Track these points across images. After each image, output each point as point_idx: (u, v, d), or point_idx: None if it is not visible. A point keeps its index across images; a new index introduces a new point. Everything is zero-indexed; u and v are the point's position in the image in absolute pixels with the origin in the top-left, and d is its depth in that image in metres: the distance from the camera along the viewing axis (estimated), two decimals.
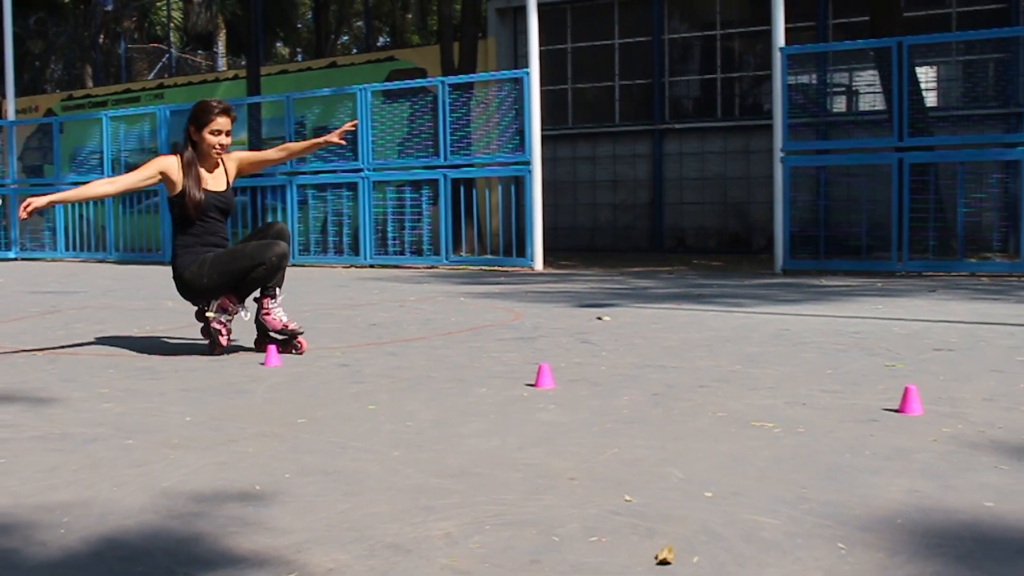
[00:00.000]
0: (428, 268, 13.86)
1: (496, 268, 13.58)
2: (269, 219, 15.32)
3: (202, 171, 5.32)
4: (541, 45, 13.77)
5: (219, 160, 5.41)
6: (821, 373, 4.46)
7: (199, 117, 5.25)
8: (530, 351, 5.31)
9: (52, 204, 5.24)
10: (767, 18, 12.08)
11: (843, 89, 18.00)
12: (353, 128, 5.91)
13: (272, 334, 5.27)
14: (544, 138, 13.96)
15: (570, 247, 18.88)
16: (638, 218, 19.13)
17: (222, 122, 5.26)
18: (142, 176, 5.25)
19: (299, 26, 37.01)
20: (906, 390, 3.61)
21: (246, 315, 5.38)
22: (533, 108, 13.19)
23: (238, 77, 23.00)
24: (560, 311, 7.33)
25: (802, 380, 4.29)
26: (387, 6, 34.93)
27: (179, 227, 5.30)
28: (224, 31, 32.81)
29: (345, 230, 14.90)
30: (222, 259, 5.20)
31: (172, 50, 29.91)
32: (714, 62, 18.87)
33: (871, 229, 12.28)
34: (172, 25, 30.80)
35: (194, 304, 5.42)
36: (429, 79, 16.65)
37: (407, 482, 2.75)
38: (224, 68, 30.29)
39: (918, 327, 6.17)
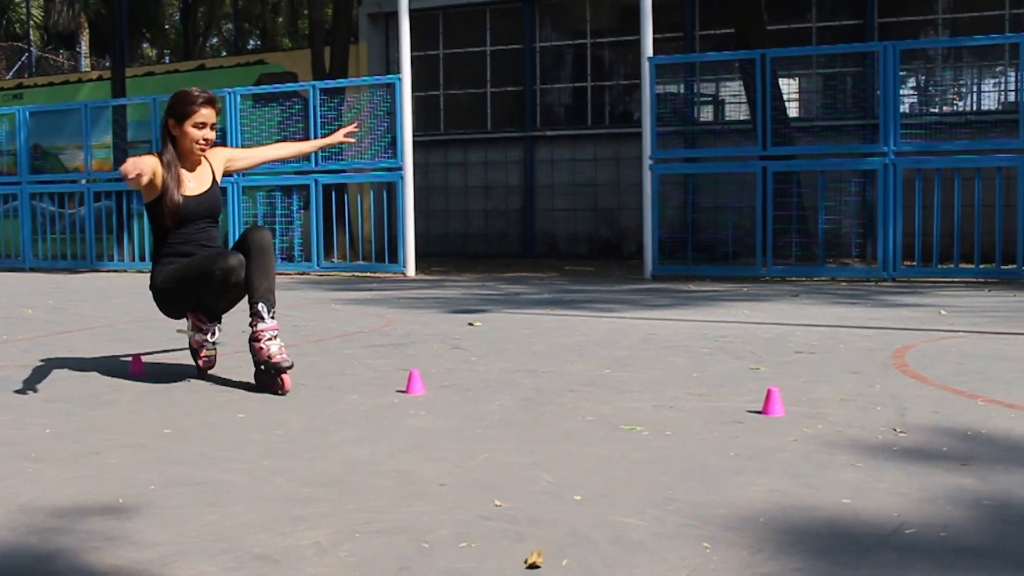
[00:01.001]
0: (299, 275, 13.70)
1: (368, 274, 13.50)
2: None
3: (183, 171, 4.56)
4: (413, 51, 13.75)
5: (202, 157, 4.65)
6: (688, 376, 4.55)
7: (179, 109, 4.51)
8: (401, 357, 5.29)
9: None
10: (636, 28, 12.29)
11: (710, 99, 18.44)
12: (357, 129, 5.42)
13: (255, 364, 4.38)
14: (416, 144, 13.93)
15: (442, 253, 18.89)
16: (510, 224, 19.25)
17: (206, 114, 4.52)
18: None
19: (166, 27, 36.20)
20: (769, 392, 3.71)
21: (213, 337, 4.58)
22: (405, 114, 13.15)
23: (102, 78, 22.38)
24: (432, 317, 7.33)
25: (670, 383, 4.37)
26: (257, 9, 34.45)
27: (158, 235, 4.60)
28: (87, 30, 31.88)
29: None
30: (177, 270, 4.48)
31: (32, 49, 28.92)
32: (585, 70, 19.11)
33: (737, 235, 12.60)
34: (32, 23, 29.79)
35: (172, 319, 4.83)
36: (300, 83, 16.47)
37: (276, 491, 2.72)
38: (88, 69, 29.39)
39: (781, 330, 6.35)
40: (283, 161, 5.20)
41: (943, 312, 7.51)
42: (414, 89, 13.20)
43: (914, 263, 11.41)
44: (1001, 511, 2.49)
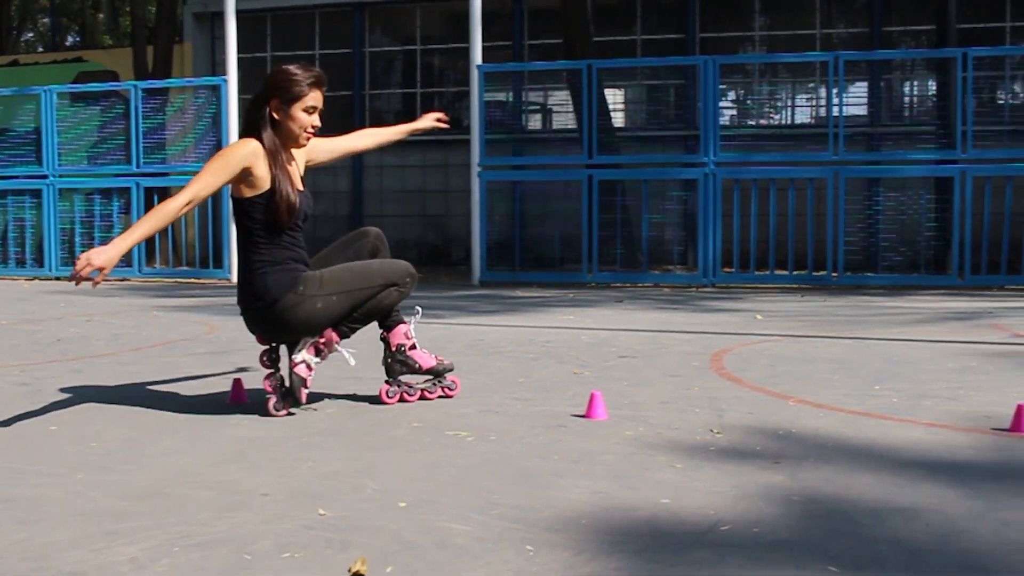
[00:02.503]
0: (119, 280, 13.24)
1: (192, 280, 13.16)
2: None
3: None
4: (240, 52, 13.47)
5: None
6: (513, 381, 4.60)
7: (286, 89, 3.81)
8: (225, 365, 5.18)
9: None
10: (467, 36, 12.36)
11: (538, 107, 18.69)
12: (447, 120, 4.71)
13: (408, 377, 4.06)
14: None
15: None
16: (338, 230, 19.01)
17: (317, 96, 3.87)
18: (217, 181, 3.73)
19: None
20: (592, 396, 3.79)
21: (352, 358, 4.00)
22: (230, 117, 12.88)
23: None
24: None
25: (495, 388, 4.41)
26: (76, 4, 33.16)
27: (255, 238, 3.84)
28: None
29: (28, 240, 14.01)
30: (343, 279, 3.85)
31: None
32: (415, 77, 19.11)
33: (563, 242, 12.81)
34: None
35: (275, 341, 4.00)
36: (121, 83, 15.93)
37: (91, 506, 2.62)
38: None
39: (605, 335, 6.48)
40: (366, 151, 4.37)
41: (759, 317, 7.81)
42: (240, 91, 12.93)
43: (732, 269, 11.83)
44: (809, 506, 2.61)
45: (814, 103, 17.69)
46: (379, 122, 19.20)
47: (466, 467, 3.01)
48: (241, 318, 4.01)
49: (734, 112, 17.79)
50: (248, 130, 3.86)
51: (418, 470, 2.98)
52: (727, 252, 11.97)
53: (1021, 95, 16.51)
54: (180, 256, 14.38)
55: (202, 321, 7.45)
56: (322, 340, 3.89)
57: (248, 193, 3.80)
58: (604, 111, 13.39)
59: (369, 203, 18.85)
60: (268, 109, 3.83)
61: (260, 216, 3.81)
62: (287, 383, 3.86)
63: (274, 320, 3.85)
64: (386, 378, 4.09)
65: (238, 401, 4.09)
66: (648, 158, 13.61)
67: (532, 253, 13.22)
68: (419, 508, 2.58)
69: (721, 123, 12.13)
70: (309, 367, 3.87)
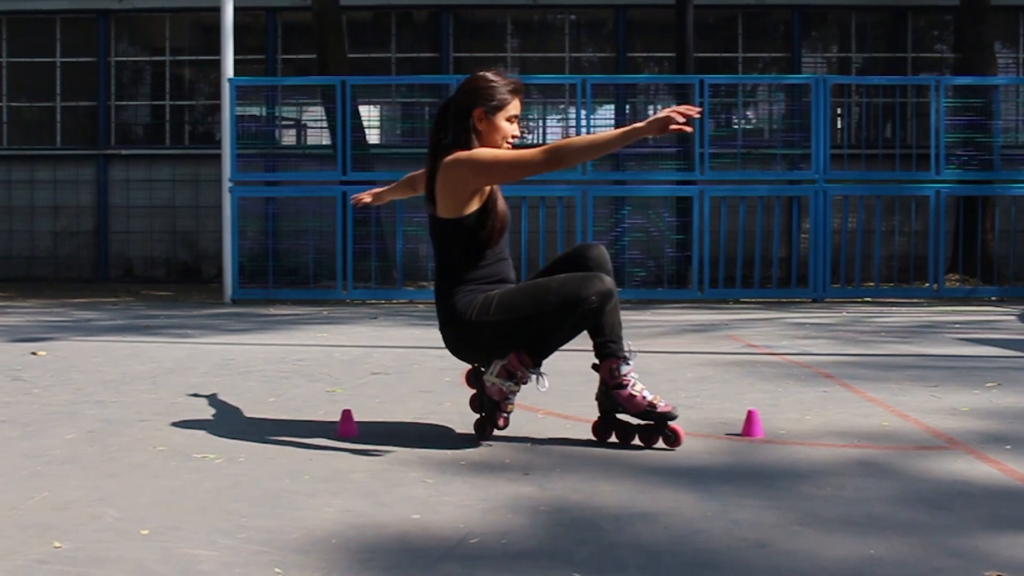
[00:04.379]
0: None
1: None
2: None
3: None
4: None
5: None
6: (264, 401, 4.52)
7: (489, 96, 3.56)
8: None
9: None
10: (218, 48, 12.06)
11: (292, 123, 18.44)
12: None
13: (625, 417, 3.66)
14: None
15: (5, 278, 17.48)
16: (82, 247, 18.16)
17: (517, 105, 3.64)
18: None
19: None
20: (344, 413, 3.76)
21: (543, 385, 3.63)
22: None
23: None
24: None
25: (246, 409, 4.31)
26: None
27: (458, 256, 3.61)
28: None
29: None
30: (515, 298, 3.53)
31: None
32: (164, 88, 18.48)
33: (318, 259, 12.67)
34: None
35: (467, 361, 3.82)
36: None
37: None
38: None
39: (359, 352, 6.46)
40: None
41: None
42: None
43: None
44: (555, 515, 2.69)
45: (564, 124, 18.23)
46: (126, 134, 18.48)
47: (213, 490, 2.93)
48: None
49: None
50: (456, 143, 3.57)
51: (162, 496, 2.88)
52: None
53: (753, 121, 17.56)
54: None
55: None
56: (509, 363, 3.58)
57: (460, 211, 3.56)
58: (359, 128, 13.35)
59: (115, 219, 18.05)
60: (472, 120, 3.57)
61: (468, 234, 3.58)
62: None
63: (459, 340, 3.63)
64: (599, 414, 3.74)
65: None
66: (402, 175, 13.58)
67: (286, 270, 13.02)
68: (162, 535, 2.50)
69: None
70: (502, 390, 3.59)
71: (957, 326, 8.36)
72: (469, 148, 3.52)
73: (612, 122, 17.25)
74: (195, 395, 4.69)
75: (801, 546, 2.43)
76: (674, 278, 12.60)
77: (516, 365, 3.55)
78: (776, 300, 11.80)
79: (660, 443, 3.56)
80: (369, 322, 8.93)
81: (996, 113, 13.12)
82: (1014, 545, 2.42)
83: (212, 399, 4.57)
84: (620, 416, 3.66)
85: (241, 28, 13.47)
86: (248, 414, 4.19)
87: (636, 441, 3.61)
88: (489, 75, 3.60)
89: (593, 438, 3.69)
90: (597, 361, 3.67)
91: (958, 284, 13.05)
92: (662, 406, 3.53)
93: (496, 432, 3.69)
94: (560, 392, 4.77)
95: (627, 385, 3.56)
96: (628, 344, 3.66)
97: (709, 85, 11.97)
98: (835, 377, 5.28)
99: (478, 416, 3.73)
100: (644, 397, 3.54)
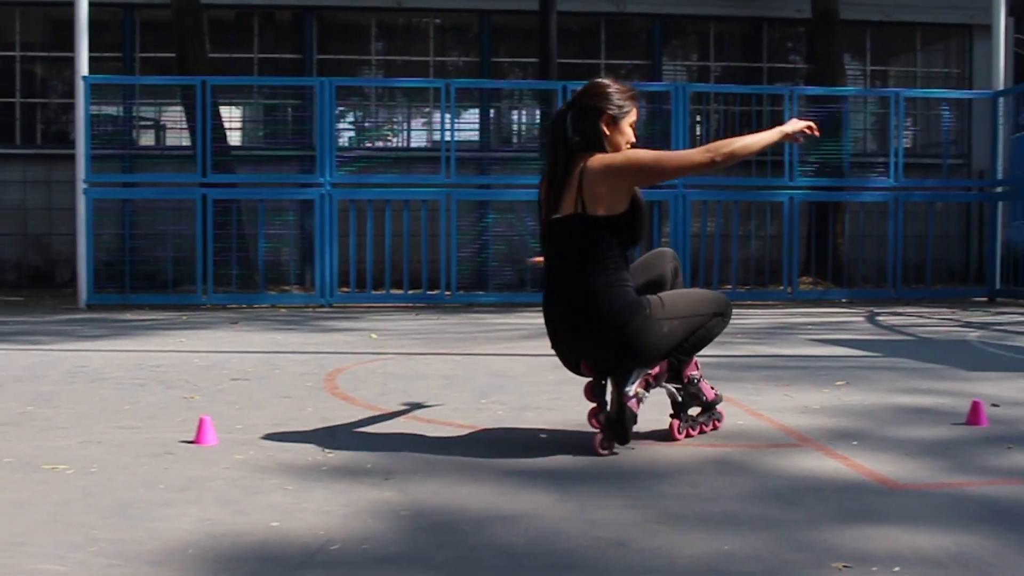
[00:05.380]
0: None
1: None
2: None
3: None
4: None
5: None
6: (118, 409, 4.39)
7: (616, 104, 3.63)
8: None
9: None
10: (72, 44, 11.68)
11: (151, 123, 17.98)
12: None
13: (688, 407, 3.85)
14: None
15: None
16: None
17: (636, 111, 3.72)
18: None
19: None
20: (201, 421, 3.69)
21: (679, 395, 3.80)
22: None
23: None
24: None
25: (99, 418, 4.19)
26: None
27: (600, 257, 3.53)
28: None
29: None
30: (679, 304, 3.63)
31: None
32: (14, 85, 17.78)
33: (177, 263, 12.38)
34: None
35: (609, 371, 3.64)
36: None
37: None
38: None
39: (218, 358, 6.33)
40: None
41: (374, 336, 7.93)
42: None
43: (349, 289, 11.92)
44: (416, 519, 2.68)
45: (429, 128, 18.22)
46: None
47: (63, 503, 2.84)
48: None
49: (352, 133, 17.97)
50: (588, 145, 3.62)
51: (7, 510, 2.77)
52: (344, 272, 12.06)
53: None
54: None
55: None
56: (653, 373, 3.67)
57: (615, 209, 3.53)
58: (219, 129, 13.10)
59: None
60: (602, 124, 3.62)
61: (614, 234, 3.54)
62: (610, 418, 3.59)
63: (620, 345, 3.51)
64: (672, 412, 3.84)
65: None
66: (264, 177, 13.46)
67: (143, 274, 12.67)
68: (7, 551, 2.40)
69: (339, 144, 12.21)
70: (639, 401, 3.60)
71: (809, 327, 8.66)
72: (603, 150, 3.60)
73: (477, 126, 17.31)
74: (46, 403, 4.53)
75: (658, 544, 2.48)
76: (537, 281, 12.70)
77: (660, 375, 3.72)
78: None
79: (712, 428, 3.92)
80: (229, 327, 8.76)
81: (845, 122, 13.62)
82: (859, 537, 2.51)
83: (63, 408, 4.43)
84: (683, 405, 3.85)
85: (97, 24, 13.04)
86: (101, 423, 4.07)
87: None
88: (613, 82, 3.71)
89: (443, 443, 3.70)
90: (677, 364, 3.82)
91: (811, 287, 13.50)
92: (720, 394, 3.97)
93: (344, 438, 3.67)
94: (424, 396, 4.76)
95: (702, 380, 3.87)
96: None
97: (571, 91, 12.11)
98: None
99: (598, 431, 3.59)
100: (711, 388, 3.91)
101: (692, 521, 2.68)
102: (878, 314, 10.30)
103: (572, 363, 3.69)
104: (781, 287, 12.59)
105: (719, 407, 3.96)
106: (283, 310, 11.15)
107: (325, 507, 2.80)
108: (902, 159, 12.88)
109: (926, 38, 18.59)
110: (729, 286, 12.88)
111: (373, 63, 18.20)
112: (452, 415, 4.25)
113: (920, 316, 10.04)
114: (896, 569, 2.28)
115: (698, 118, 17.01)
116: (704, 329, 3.68)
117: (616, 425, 3.55)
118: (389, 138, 18.41)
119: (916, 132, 17.77)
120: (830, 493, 2.97)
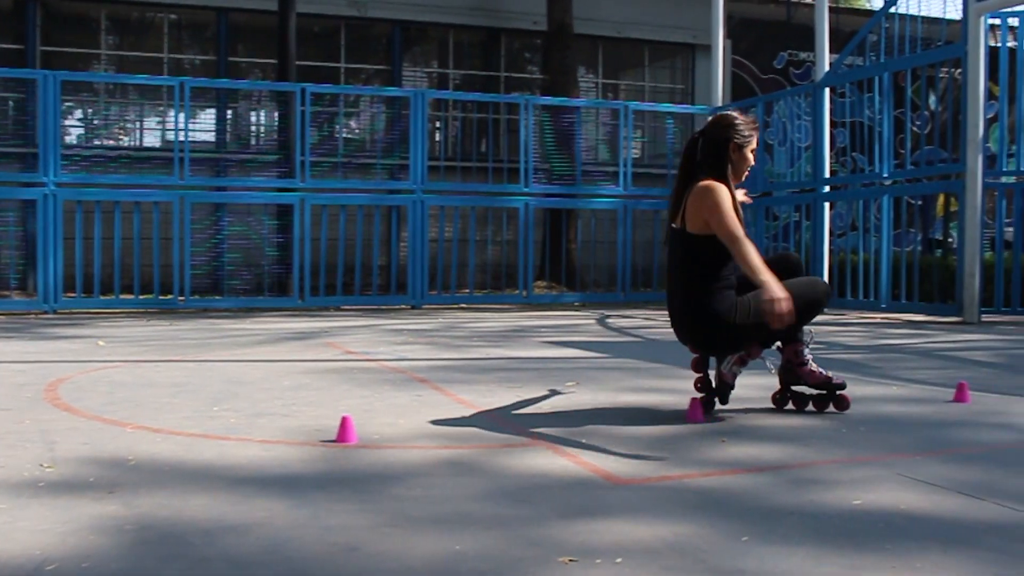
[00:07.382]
0: None
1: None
2: None
3: None
4: None
5: None
6: None
7: (742, 132, 4.32)
8: None
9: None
10: None
11: None
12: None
13: (802, 389, 4.62)
14: None
15: None
16: None
17: (756, 140, 4.42)
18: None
19: None
20: None
21: (773, 368, 4.65)
22: None
23: None
24: None
25: None
26: None
27: (707, 267, 4.29)
28: None
29: None
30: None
31: None
32: None
33: None
34: None
35: (705, 352, 4.50)
36: None
37: None
38: None
39: None
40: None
41: (101, 343, 7.59)
42: None
43: (75, 295, 11.36)
44: (141, 533, 2.59)
45: (163, 127, 17.59)
46: None
47: None
48: None
49: (80, 131, 17.12)
50: (711, 169, 4.29)
51: None
52: (70, 276, 11.49)
53: (356, 131, 17.80)
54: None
55: None
56: (748, 354, 4.40)
57: (696, 230, 4.24)
58: None
59: None
60: (728, 151, 4.29)
61: (703, 249, 4.25)
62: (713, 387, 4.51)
63: (714, 336, 4.33)
64: (780, 387, 4.67)
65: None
66: None
67: None
68: None
69: (65, 142, 11.61)
70: (735, 376, 4.48)
71: (544, 330, 8.92)
72: (723, 173, 4.27)
73: (213, 125, 16.86)
74: None
75: (390, 547, 2.50)
76: (275, 286, 12.51)
77: (756, 354, 4.41)
78: (376, 307, 12.04)
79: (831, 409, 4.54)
80: None
81: (577, 132, 14.12)
82: (584, 532, 2.62)
83: None
84: (796, 388, 4.60)
85: None
86: None
87: (810, 407, 4.57)
88: (739, 114, 4.40)
89: (172, 453, 3.60)
90: (783, 345, 4.50)
91: (545, 291, 13.91)
92: (836, 379, 4.50)
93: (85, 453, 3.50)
94: (153, 405, 4.61)
95: (807, 362, 4.46)
96: (809, 330, 4.51)
97: (311, 94, 12.02)
98: (429, 381, 5.48)
99: (702, 396, 4.49)
100: (821, 372, 4.48)
101: (425, 523, 2.72)
102: (608, 316, 10.74)
103: (683, 342, 4.49)
104: (517, 291, 12.91)
105: (844, 392, 4.53)
106: (2, 317, 10.49)
107: (42, 525, 2.66)
108: (631, 168, 13.48)
109: (654, 55, 19.54)
110: (466, 290, 13.09)
111: (103, 58, 17.43)
112: (183, 424, 4.13)
113: (646, 318, 10.54)
114: (618, 560, 2.39)
115: (437, 124, 17.19)
116: (809, 318, 4.37)
117: (718, 390, 4.49)
118: (120, 136, 17.64)
119: (645, 143, 18.63)
120: (558, 490, 3.07)
